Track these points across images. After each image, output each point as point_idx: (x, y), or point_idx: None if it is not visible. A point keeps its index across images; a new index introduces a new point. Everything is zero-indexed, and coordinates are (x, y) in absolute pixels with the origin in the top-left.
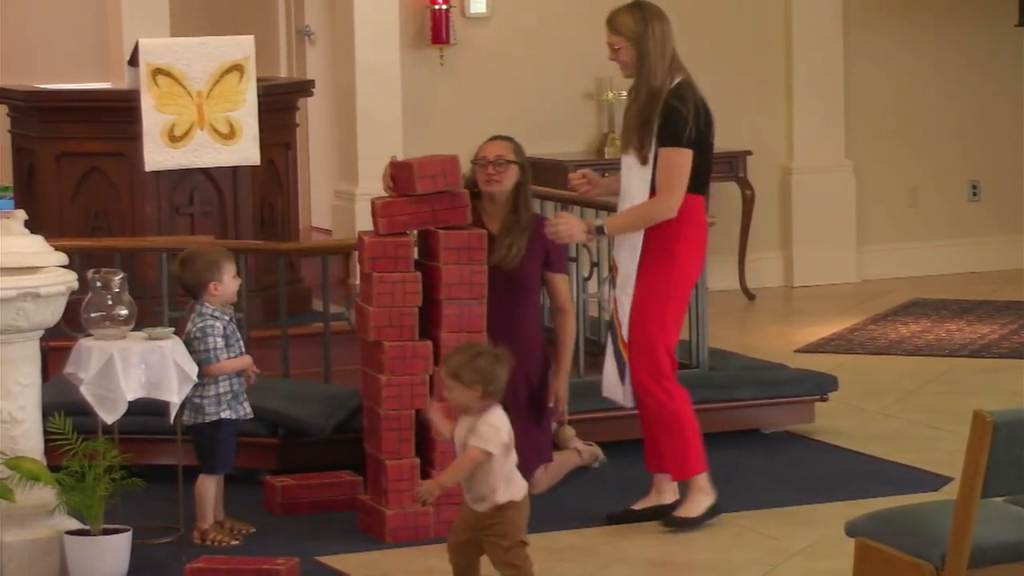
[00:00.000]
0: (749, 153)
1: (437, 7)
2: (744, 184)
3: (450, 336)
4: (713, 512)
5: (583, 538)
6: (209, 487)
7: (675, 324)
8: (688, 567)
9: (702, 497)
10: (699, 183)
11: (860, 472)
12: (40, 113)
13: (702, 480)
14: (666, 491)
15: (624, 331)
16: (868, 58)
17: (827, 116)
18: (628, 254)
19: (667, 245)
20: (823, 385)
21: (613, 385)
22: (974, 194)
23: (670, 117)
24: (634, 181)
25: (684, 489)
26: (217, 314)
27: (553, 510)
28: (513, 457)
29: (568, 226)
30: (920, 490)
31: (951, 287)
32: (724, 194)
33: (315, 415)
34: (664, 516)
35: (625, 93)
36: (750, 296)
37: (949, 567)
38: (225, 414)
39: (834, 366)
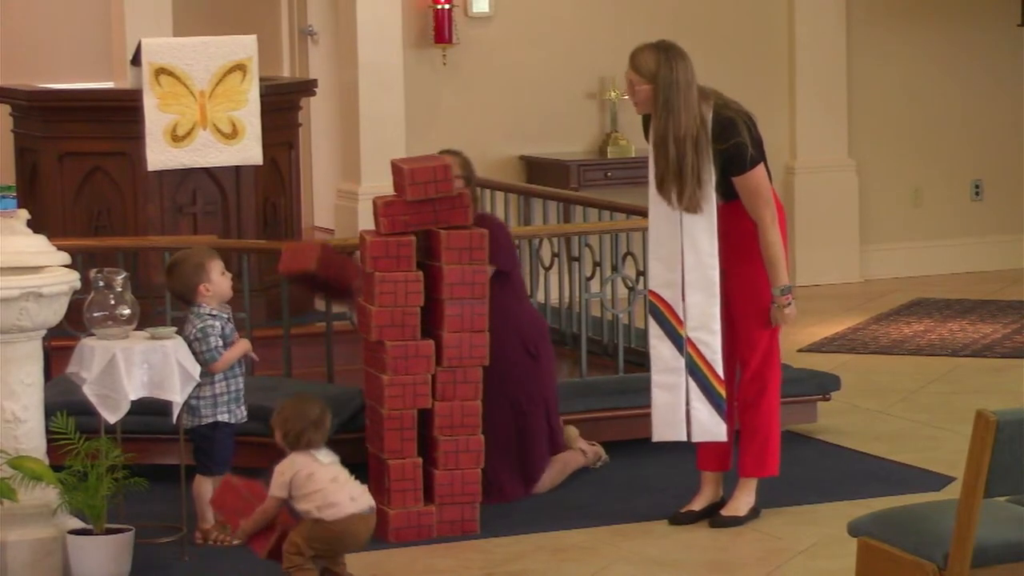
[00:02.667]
0: None
1: (440, 7)
2: None
3: (452, 336)
4: (754, 513)
5: (586, 537)
6: (206, 488)
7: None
8: (691, 566)
9: (748, 498)
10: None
11: (863, 472)
12: (43, 113)
13: (754, 481)
14: (720, 488)
15: (719, 369)
16: (871, 57)
17: (830, 115)
18: (702, 296)
19: (754, 254)
20: (826, 385)
21: (709, 427)
22: (977, 194)
23: (733, 153)
24: (699, 230)
25: (730, 488)
26: (215, 313)
27: (556, 509)
28: (316, 486)
29: (787, 317)
30: (923, 490)
31: (954, 287)
32: None
33: None
34: (712, 516)
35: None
36: None
37: (952, 567)
38: (222, 417)
39: (837, 366)
